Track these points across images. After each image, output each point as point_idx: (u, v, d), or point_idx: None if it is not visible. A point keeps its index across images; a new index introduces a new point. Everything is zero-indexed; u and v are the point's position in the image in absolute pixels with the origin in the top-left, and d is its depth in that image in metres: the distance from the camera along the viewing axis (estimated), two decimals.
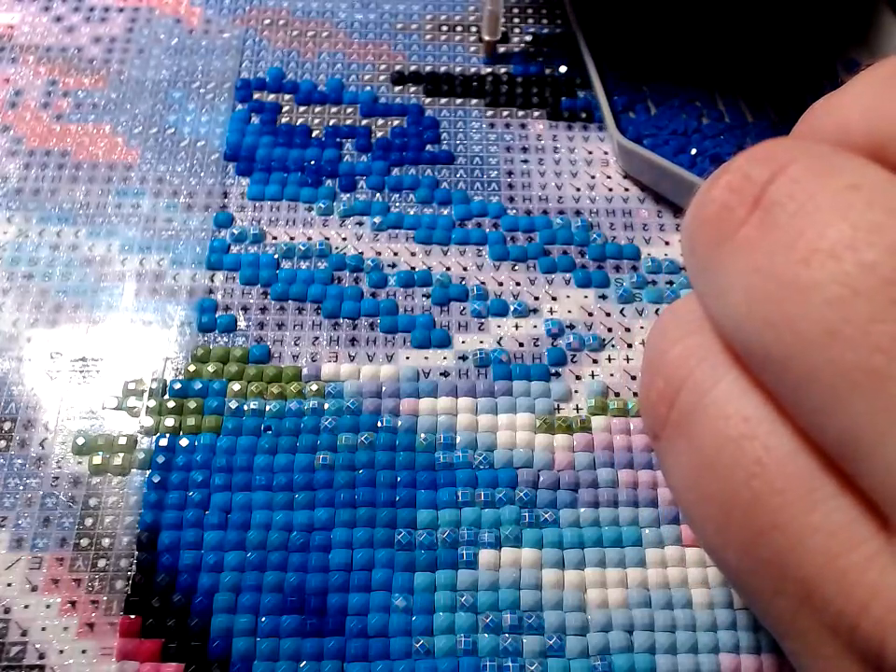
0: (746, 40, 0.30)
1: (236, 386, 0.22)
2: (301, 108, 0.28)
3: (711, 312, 0.13)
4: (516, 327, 0.24)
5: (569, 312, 0.24)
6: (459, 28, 0.30)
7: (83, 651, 0.19)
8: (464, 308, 0.24)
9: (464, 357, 0.23)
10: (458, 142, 0.27)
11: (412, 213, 0.26)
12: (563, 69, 0.29)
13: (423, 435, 0.22)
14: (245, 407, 0.22)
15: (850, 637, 0.11)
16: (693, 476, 0.13)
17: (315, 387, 0.22)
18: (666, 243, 0.26)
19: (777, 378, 0.11)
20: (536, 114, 0.28)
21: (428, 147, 0.27)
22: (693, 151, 0.27)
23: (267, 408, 0.22)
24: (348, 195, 0.26)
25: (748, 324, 0.12)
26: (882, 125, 0.12)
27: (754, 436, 0.12)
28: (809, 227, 0.11)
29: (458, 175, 0.27)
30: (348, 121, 0.28)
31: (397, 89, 0.29)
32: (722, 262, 0.12)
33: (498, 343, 0.24)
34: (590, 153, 0.27)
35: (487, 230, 0.26)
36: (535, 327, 0.24)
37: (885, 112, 0.12)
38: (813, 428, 0.11)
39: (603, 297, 0.24)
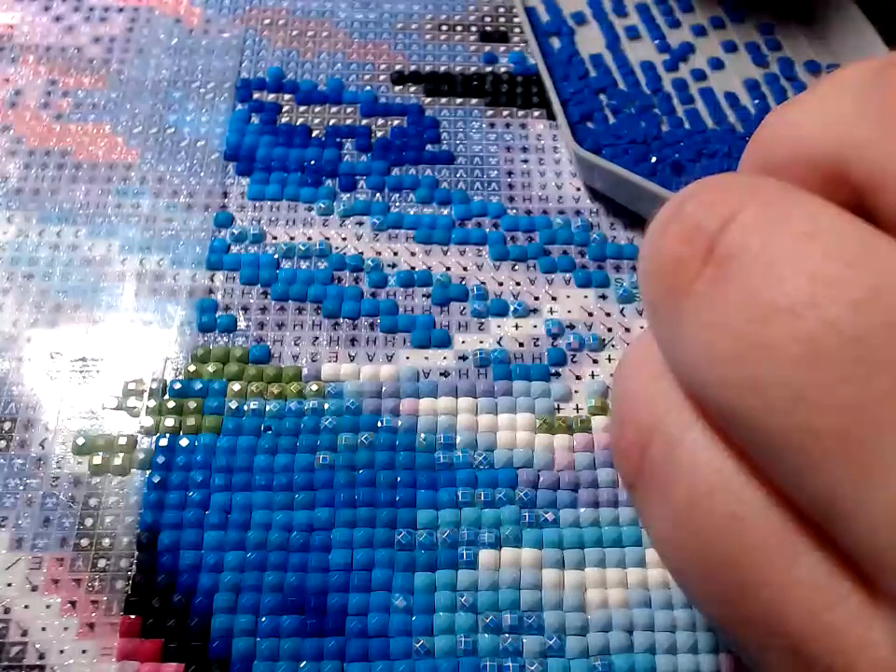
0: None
1: (236, 386, 0.22)
2: (301, 108, 0.28)
3: (672, 363, 0.12)
4: (516, 327, 0.24)
5: (569, 312, 0.24)
6: (459, 28, 0.30)
7: (83, 651, 0.19)
8: (464, 308, 0.24)
9: (464, 357, 0.23)
10: (458, 142, 0.27)
11: (412, 213, 0.26)
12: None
13: (423, 435, 0.22)
14: (245, 407, 0.22)
15: None
16: (670, 528, 0.13)
17: (314, 387, 0.22)
18: None
19: (745, 438, 0.11)
20: (536, 114, 0.28)
21: (428, 146, 0.27)
22: (654, 159, 0.26)
23: (267, 408, 0.22)
24: (348, 195, 0.26)
25: (710, 383, 0.11)
26: (844, 143, 0.12)
27: (728, 489, 0.11)
28: (766, 281, 0.10)
29: (458, 175, 0.27)
30: (348, 121, 0.28)
31: (397, 89, 0.29)
32: (679, 317, 0.12)
33: (498, 343, 0.24)
34: None
35: (487, 230, 0.26)
36: (535, 327, 0.24)
37: (847, 130, 0.12)
38: (786, 487, 0.11)
39: (603, 297, 0.24)
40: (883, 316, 0.10)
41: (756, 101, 0.28)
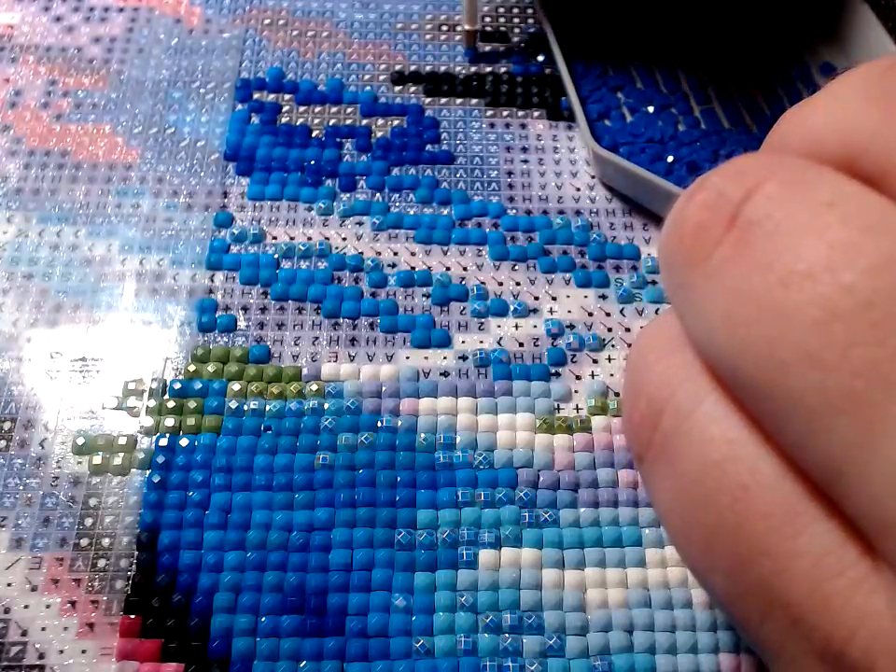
0: (722, 44, 0.30)
1: (236, 386, 0.22)
2: (301, 108, 0.28)
3: (690, 332, 0.13)
4: (516, 327, 0.24)
5: (569, 312, 0.24)
6: (459, 28, 0.30)
7: (83, 651, 0.19)
8: (464, 308, 0.24)
9: (464, 357, 0.23)
10: (458, 142, 0.27)
11: (412, 213, 0.26)
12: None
13: (423, 435, 0.22)
14: (245, 407, 0.22)
15: (838, 663, 0.11)
16: (678, 500, 0.13)
17: (314, 387, 0.22)
18: None
19: (758, 402, 0.11)
20: (536, 114, 0.28)
21: (428, 146, 0.27)
22: (670, 159, 0.26)
23: (267, 408, 0.22)
24: (348, 195, 0.26)
25: (727, 347, 0.11)
26: (852, 138, 0.12)
27: (738, 459, 0.12)
28: (786, 247, 0.11)
29: (458, 175, 0.27)
30: (348, 121, 0.28)
31: (397, 89, 0.29)
32: (699, 283, 0.12)
33: (498, 343, 0.24)
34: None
35: (487, 230, 0.26)
36: (535, 327, 0.24)
37: (855, 124, 0.12)
38: (796, 453, 0.11)
39: (603, 297, 0.24)
40: None
41: (772, 102, 0.28)
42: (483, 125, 0.28)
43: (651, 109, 0.28)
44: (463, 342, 0.24)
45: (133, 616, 0.19)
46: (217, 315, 0.24)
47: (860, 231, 0.10)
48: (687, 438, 0.13)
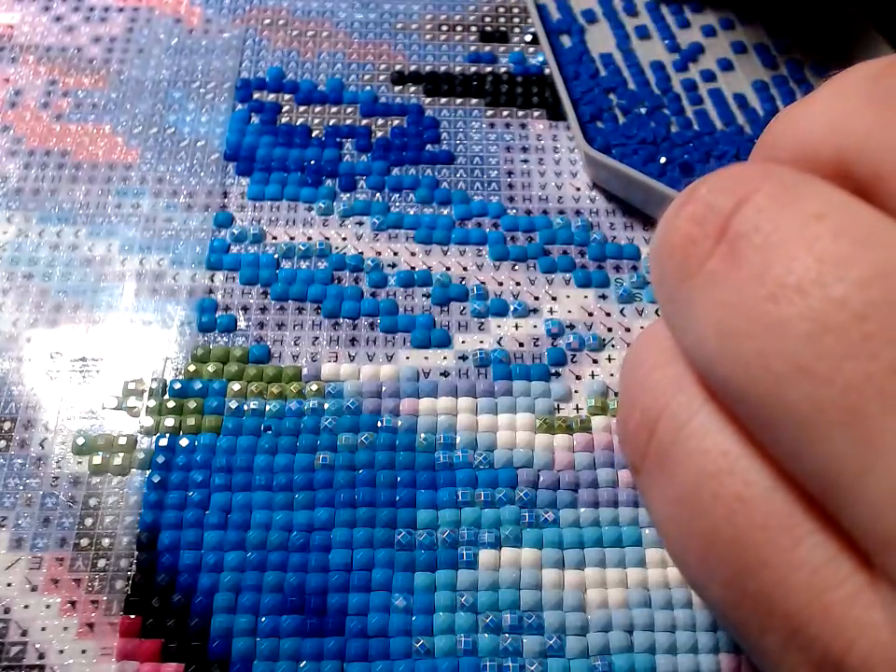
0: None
1: (236, 386, 0.22)
2: (301, 108, 0.28)
3: (681, 344, 0.13)
4: (516, 327, 0.24)
5: (569, 312, 0.24)
6: (459, 28, 0.30)
7: (83, 651, 0.19)
8: (464, 308, 0.24)
9: (464, 357, 0.23)
10: (458, 142, 0.27)
11: (412, 213, 0.26)
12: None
13: (423, 435, 0.22)
14: (245, 407, 0.22)
15: None
16: (675, 510, 0.13)
17: (315, 387, 0.22)
18: None
19: (751, 415, 0.11)
20: (536, 114, 0.28)
21: (428, 146, 0.27)
22: (663, 160, 0.26)
23: (267, 408, 0.22)
24: (348, 195, 0.26)
25: (719, 360, 0.11)
26: (847, 142, 0.12)
27: (733, 471, 0.12)
28: (776, 260, 0.11)
29: (458, 175, 0.27)
30: (348, 121, 0.28)
31: (397, 89, 0.29)
32: (690, 296, 0.12)
33: (498, 343, 0.24)
34: None
35: (487, 229, 0.26)
36: (535, 327, 0.24)
37: (849, 127, 0.12)
38: (790, 464, 0.11)
39: (603, 297, 0.24)
40: (889, 294, 0.10)
41: (765, 103, 0.28)
42: (483, 125, 0.28)
43: (643, 110, 0.28)
44: (463, 342, 0.24)
45: (133, 616, 0.19)
46: (216, 315, 0.24)
47: (850, 244, 0.10)
48: (682, 449, 0.12)
